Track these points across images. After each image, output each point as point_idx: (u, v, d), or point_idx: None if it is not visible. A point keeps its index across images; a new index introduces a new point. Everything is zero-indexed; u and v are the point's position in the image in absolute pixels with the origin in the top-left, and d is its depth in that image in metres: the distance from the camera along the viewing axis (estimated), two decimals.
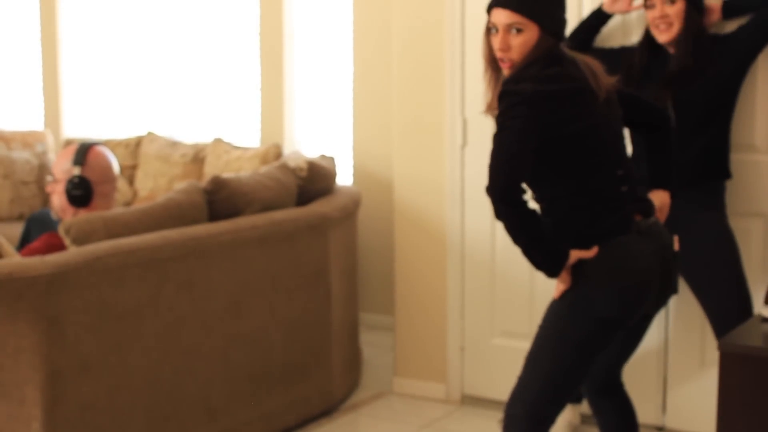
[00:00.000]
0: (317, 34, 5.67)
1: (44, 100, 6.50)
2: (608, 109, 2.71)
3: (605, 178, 2.69)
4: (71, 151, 3.44)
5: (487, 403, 4.18)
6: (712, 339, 3.54)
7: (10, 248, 3.20)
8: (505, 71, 2.69)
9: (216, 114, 6.06)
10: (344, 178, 5.33)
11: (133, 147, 5.86)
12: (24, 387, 3.05)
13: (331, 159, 4.55)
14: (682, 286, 3.51)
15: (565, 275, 2.66)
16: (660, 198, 2.90)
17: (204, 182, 3.76)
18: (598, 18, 3.71)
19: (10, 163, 5.85)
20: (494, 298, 4.16)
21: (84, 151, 3.41)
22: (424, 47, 4.22)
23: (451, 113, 4.16)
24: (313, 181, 4.20)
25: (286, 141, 5.65)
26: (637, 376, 3.69)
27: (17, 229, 4.67)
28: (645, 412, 3.69)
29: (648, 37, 3.52)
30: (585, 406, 3.77)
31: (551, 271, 2.66)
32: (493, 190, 2.59)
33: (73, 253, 3.15)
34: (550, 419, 2.72)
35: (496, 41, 2.67)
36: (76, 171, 3.38)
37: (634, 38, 3.68)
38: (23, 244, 3.95)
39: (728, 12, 3.49)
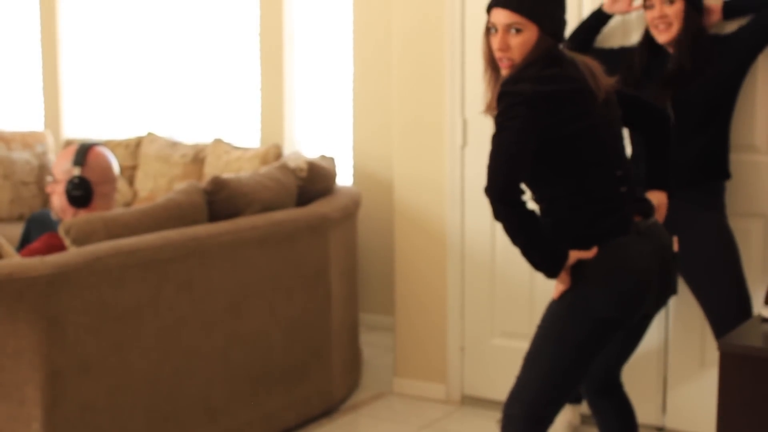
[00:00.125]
0: (317, 34, 5.67)
1: (44, 101, 6.50)
2: (607, 109, 2.71)
3: (604, 179, 2.69)
4: (71, 151, 3.44)
5: (487, 403, 4.18)
6: (712, 339, 3.54)
7: (10, 249, 3.20)
8: (504, 71, 2.69)
9: (216, 114, 6.06)
10: (344, 178, 5.34)
11: (133, 147, 5.87)
12: (24, 387, 3.05)
13: (331, 159, 4.55)
14: (682, 286, 3.51)
15: (564, 276, 2.66)
16: (657, 198, 2.90)
17: (204, 183, 3.76)
18: (599, 18, 3.71)
19: (10, 164, 5.85)
20: (494, 299, 4.16)
21: (84, 152, 3.41)
22: (424, 47, 4.22)
23: (451, 113, 4.16)
24: (313, 182, 4.20)
25: (286, 141, 5.65)
26: (637, 376, 3.69)
27: (17, 230, 4.67)
28: (645, 412, 3.69)
29: (648, 38, 3.53)
30: (585, 407, 3.77)
31: (551, 272, 2.66)
32: (492, 190, 2.59)
33: (73, 253, 3.15)
34: (549, 419, 2.72)
35: (496, 41, 2.68)
36: (76, 171, 3.38)
37: (634, 38, 3.68)
38: (23, 244, 3.96)
39: (728, 12, 3.49)
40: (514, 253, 2.97)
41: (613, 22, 3.74)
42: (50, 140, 6.10)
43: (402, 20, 4.29)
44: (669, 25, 3.42)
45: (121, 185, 5.72)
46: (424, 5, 4.21)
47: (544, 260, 2.64)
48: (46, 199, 5.75)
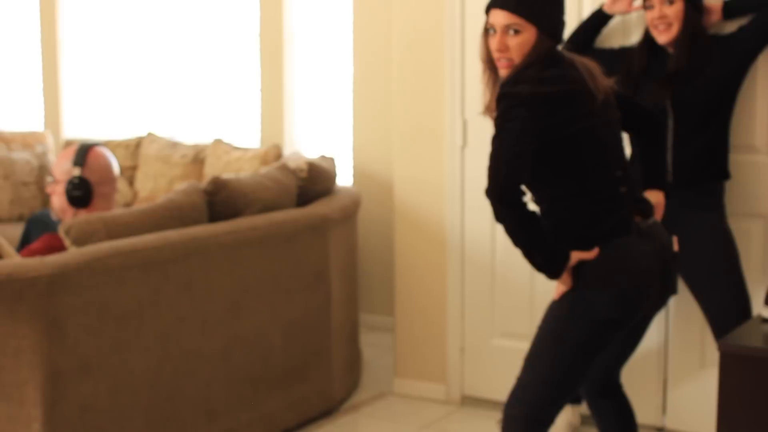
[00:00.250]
0: (317, 35, 5.67)
1: (44, 101, 6.51)
2: (606, 110, 2.70)
3: (604, 180, 2.69)
4: (71, 151, 3.44)
5: (487, 403, 4.18)
6: (712, 339, 3.54)
7: (10, 249, 3.20)
8: (502, 72, 2.69)
9: (216, 115, 6.06)
10: (344, 179, 5.34)
11: (133, 148, 5.87)
12: (24, 387, 3.05)
13: (331, 160, 4.55)
14: (682, 286, 3.51)
15: (565, 277, 2.66)
16: (654, 197, 2.90)
17: (204, 183, 3.76)
18: (599, 19, 3.71)
19: (10, 164, 5.85)
20: (494, 299, 4.16)
21: (84, 152, 3.42)
22: (425, 48, 4.22)
23: (451, 114, 4.16)
24: (313, 182, 4.20)
25: (286, 142, 5.66)
26: (637, 376, 3.69)
27: (17, 230, 4.67)
28: (645, 412, 3.70)
29: (647, 38, 3.53)
30: (585, 407, 3.76)
31: (552, 273, 2.65)
32: (492, 192, 2.59)
33: (73, 253, 3.15)
34: (549, 420, 2.72)
35: (494, 42, 2.67)
36: (76, 172, 3.38)
37: (634, 39, 3.68)
38: (23, 244, 3.95)
39: (728, 12, 3.49)
40: (514, 254, 2.97)
41: (613, 23, 3.74)
42: (50, 140, 6.10)
43: (402, 21, 4.29)
44: (669, 25, 3.42)
45: (121, 185, 5.72)
46: (425, 6, 4.21)
47: (545, 261, 2.64)
48: (46, 200, 5.75)
